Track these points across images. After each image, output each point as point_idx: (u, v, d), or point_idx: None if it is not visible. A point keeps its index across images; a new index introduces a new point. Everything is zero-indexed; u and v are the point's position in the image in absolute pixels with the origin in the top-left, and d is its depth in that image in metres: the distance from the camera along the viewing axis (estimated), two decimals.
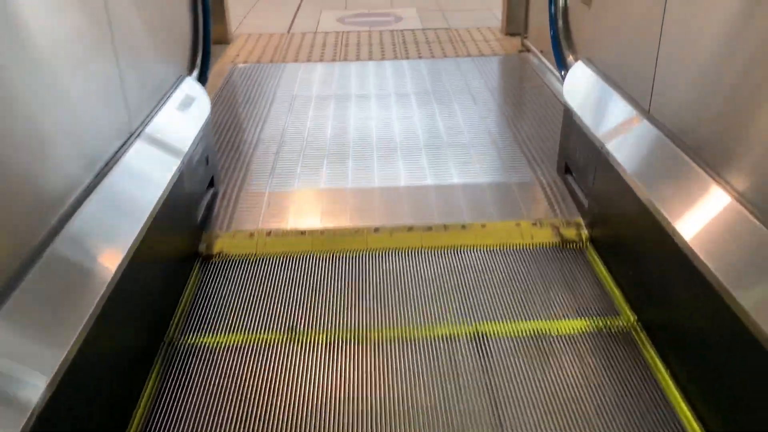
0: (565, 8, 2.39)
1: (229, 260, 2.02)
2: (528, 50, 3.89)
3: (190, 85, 2.27)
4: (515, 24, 4.24)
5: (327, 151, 2.67)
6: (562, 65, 2.39)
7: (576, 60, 2.31)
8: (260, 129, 2.90)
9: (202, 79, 2.38)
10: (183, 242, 1.97)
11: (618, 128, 1.85)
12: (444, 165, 2.53)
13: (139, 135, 1.69)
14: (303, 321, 1.75)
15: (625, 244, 1.83)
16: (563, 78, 2.36)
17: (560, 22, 2.38)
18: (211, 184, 2.32)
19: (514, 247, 2.05)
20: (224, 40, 4.25)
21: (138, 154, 1.64)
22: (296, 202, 2.31)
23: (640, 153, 1.72)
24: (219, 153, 2.67)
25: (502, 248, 2.04)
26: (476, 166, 2.52)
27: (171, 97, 2.01)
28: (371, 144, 2.73)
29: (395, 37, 4.34)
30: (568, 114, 2.24)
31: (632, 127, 1.81)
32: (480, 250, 2.03)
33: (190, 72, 2.36)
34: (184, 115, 2.07)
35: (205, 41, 2.43)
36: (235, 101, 3.26)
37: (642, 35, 1.73)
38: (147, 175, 1.66)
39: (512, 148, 2.65)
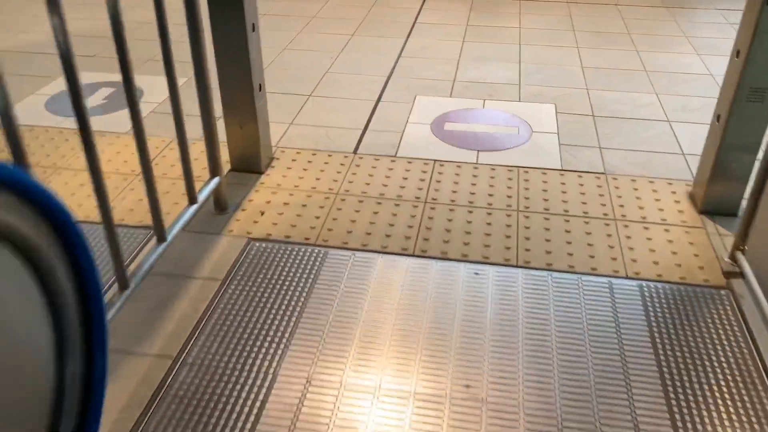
0: None
1: None
2: (741, 275, 2.22)
3: None
4: (720, 196, 2.55)
5: None
6: None
7: None
8: None
9: None
10: None
11: None
12: None
13: None
14: None
15: None
16: None
17: None
18: None
19: None
20: (255, 168, 2.86)
21: None
22: None
23: None
24: None
25: None
26: None
27: None
28: None
29: (514, 185, 2.76)
30: None
31: None
32: None
33: None
34: None
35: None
36: (215, 360, 1.89)
37: None
38: None
39: None
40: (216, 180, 2.52)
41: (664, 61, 4.10)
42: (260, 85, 2.74)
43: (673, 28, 4.71)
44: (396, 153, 3.04)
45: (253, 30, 2.60)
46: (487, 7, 5.21)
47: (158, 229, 2.14)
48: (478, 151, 3.07)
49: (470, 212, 2.60)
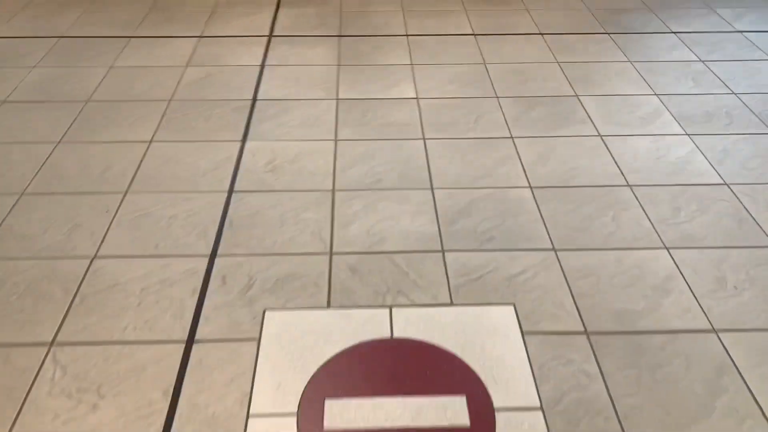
0: None
1: None
2: None
3: None
4: None
5: None
6: None
7: None
8: None
9: None
10: None
11: None
12: None
13: None
14: None
15: None
16: None
17: None
18: None
19: None
20: None
21: None
22: None
23: None
24: None
25: None
26: None
27: None
28: None
29: None
30: None
31: None
32: None
33: None
34: None
35: None
36: None
37: None
38: None
39: None
40: None
41: (646, 155, 2.66)
42: None
43: (633, 78, 3.27)
44: None
45: None
46: (363, 53, 3.51)
47: None
48: None
49: None
